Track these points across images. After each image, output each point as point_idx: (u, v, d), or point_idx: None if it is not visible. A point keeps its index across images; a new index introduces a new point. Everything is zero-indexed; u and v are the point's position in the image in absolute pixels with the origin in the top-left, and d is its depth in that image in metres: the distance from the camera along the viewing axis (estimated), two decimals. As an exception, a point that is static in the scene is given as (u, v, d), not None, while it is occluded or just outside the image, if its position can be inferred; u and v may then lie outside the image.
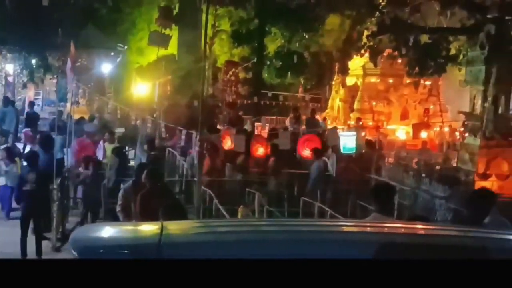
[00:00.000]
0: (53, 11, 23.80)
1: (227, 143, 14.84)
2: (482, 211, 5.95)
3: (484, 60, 13.44)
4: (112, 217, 10.44)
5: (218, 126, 19.33)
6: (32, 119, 19.44)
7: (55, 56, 26.40)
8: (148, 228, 4.36)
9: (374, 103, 23.69)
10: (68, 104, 17.09)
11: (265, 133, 19.25)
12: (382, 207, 5.89)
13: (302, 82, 29.69)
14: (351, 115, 23.96)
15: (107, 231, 4.33)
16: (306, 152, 14.67)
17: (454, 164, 15.02)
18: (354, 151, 14.92)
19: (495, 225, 5.98)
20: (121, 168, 12.49)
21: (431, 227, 5.41)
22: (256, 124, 22.92)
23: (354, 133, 16.43)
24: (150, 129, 18.71)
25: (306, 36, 27.96)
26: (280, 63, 27.30)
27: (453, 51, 16.21)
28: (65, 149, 13.45)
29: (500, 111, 13.33)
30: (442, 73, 17.03)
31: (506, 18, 13.50)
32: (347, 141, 15.30)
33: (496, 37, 13.33)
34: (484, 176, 12.76)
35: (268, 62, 27.27)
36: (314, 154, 13.94)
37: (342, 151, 14.88)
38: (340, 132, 17.17)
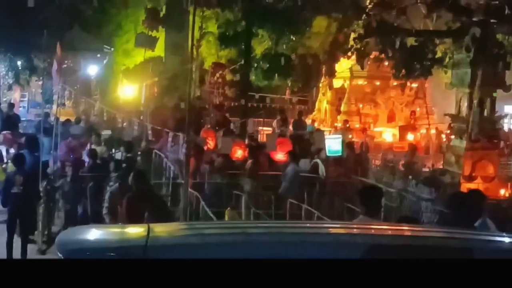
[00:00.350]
0: (38, 13, 23.64)
1: (208, 144, 14.84)
2: (473, 215, 5.98)
3: (469, 62, 13.54)
4: (92, 219, 10.40)
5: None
6: (10, 121, 18.97)
7: (41, 58, 26.18)
8: (135, 231, 4.35)
9: (361, 106, 23.78)
10: (54, 106, 17.01)
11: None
12: (369, 210, 5.90)
13: (289, 84, 29.73)
14: (338, 117, 24.02)
15: (94, 233, 4.31)
16: (279, 156, 14.71)
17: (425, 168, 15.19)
18: (339, 154, 14.94)
19: (484, 228, 6.04)
20: (92, 169, 12.43)
21: (418, 228, 5.43)
22: (260, 128, 22.60)
23: (340, 135, 16.45)
24: (137, 132, 18.65)
25: (293, 39, 28.00)
26: (267, 65, 27.28)
27: (439, 54, 16.28)
28: (51, 152, 13.36)
29: (485, 114, 13.43)
30: (428, 76, 17.11)
31: (491, 21, 13.61)
32: (332, 144, 15.33)
33: (481, 40, 13.43)
34: (470, 178, 12.85)
35: (255, 64, 27.26)
36: (290, 156, 13.97)
37: (327, 154, 14.89)
38: (325, 135, 17.18)
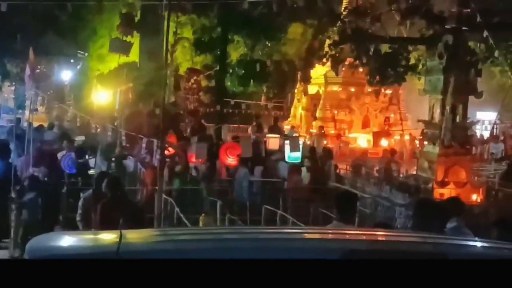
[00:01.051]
0: (12, 18, 23.38)
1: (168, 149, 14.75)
2: (444, 219, 6.04)
3: (442, 69, 13.69)
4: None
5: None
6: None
7: (14, 63, 25.93)
8: (107, 237, 4.30)
9: (336, 112, 23.91)
10: (27, 112, 16.82)
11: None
12: (343, 215, 5.91)
13: (265, 90, 29.81)
14: (314, 123, 24.12)
15: (65, 239, 4.25)
16: (229, 160, 14.73)
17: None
18: (299, 160, 14.93)
19: (457, 233, 6.09)
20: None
21: (391, 233, 5.45)
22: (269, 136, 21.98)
23: (300, 142, 16.40)
24: (111, 137, 18.49)
25: (269, 45, 28.11)
26: (243, 71, 27.36)
27: (412, 61, 16.43)
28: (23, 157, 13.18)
29: (458, 120, 13.58)
30: (402, 82, 17.26)
31: (464, 29, 13.79)
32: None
33: (454, 47, 13.60)
34: (443, 184, 12.97)
35: (230, 70, 27.29)
36: (240, 160, 14.00)
37: (287, 160, 14.87)
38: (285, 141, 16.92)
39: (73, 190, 11.53)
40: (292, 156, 14.88)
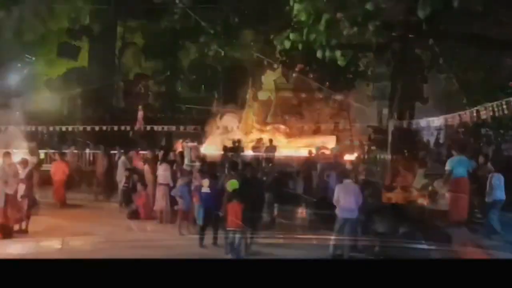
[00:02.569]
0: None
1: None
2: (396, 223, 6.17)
3: (390, 76, 13.97)
4: None
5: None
6: None
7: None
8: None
9: (287, 118, 24.01)
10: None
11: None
12: None
13: (216, 96, 29.75)
14: (265, 129, 24.17)
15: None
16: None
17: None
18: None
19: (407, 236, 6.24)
20: None
21: (342, 238, 5.53)
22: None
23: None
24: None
25: (220, 51, 28.07)
26: (194, 76, 27.24)
27: (361, 68, 16.71)
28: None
29: (405, 125, 13.86)
30: (352, 89, 17.52)
31: (410, 36, 14.10)
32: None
33: (400, 54, 13.89)
34: (390, 188, 13.20)
35: (182, 76, 27.14)
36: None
37: (186, 163, 14.96)
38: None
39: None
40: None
